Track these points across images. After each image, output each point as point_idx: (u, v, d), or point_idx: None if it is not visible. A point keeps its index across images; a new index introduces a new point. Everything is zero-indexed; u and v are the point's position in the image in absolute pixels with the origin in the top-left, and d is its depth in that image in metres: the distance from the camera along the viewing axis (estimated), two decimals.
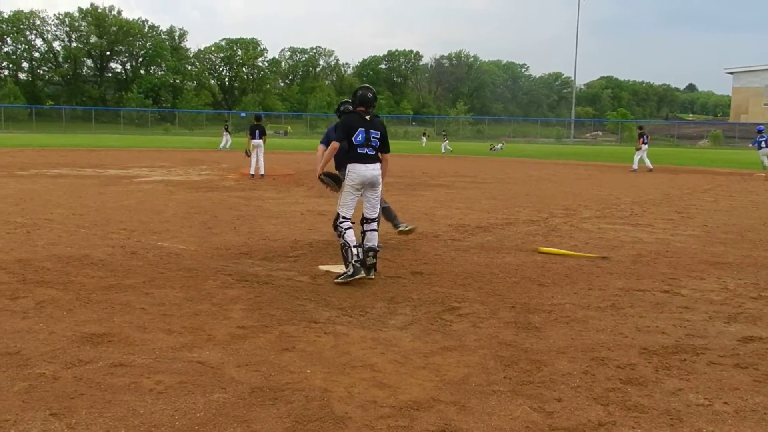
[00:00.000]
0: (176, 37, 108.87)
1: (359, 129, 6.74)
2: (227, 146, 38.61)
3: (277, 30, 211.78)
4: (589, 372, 4.23)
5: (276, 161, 24.88)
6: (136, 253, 7.73)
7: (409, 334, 4.96)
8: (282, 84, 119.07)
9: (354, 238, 6.64)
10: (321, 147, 8.61)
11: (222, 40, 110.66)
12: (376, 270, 6.77)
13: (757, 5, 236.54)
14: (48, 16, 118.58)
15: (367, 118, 6.84)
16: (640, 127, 29.66)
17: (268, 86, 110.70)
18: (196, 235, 9.17)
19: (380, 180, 6.88)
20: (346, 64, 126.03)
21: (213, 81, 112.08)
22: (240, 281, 6.47)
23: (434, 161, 32.91)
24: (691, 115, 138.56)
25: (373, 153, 6.81)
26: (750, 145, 25.96)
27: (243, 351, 4.49)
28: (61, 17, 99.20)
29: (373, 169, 6.75)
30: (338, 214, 6.75)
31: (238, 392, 3.78)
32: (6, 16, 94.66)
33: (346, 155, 6.78)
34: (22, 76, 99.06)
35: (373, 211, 6.89)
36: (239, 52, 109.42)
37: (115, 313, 5.30)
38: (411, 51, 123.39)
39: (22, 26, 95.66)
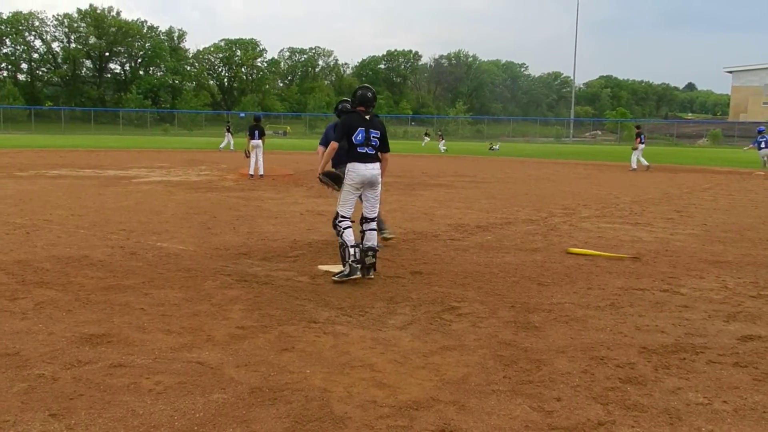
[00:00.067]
0: (175, 38, 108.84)
1: (359, 128, 6.75)
2: (231, 146, 38.64)
3: (277, 30, 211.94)
4: (588, 371, 4.23)
5: (275, 161, 24.89)
6: (136, 254, 7.73)
7: (409, 333, 4.96)
8: (281, 84, 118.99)
9: (352, 237, 6.65)
10: (320, 148, 8.62)
11: (221, 40, 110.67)
12: (375, 270, 6.77)
13: (756, 4, 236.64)
14: (47, 17, 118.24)
15: (367, 117, 6.85)
16: (638, 127, 29.68)
17: (267, 86, 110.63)
18: (195, 235, 9.16)
19: (380, 180, 6.88)
20: (345, 64, 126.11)
21: (212, 81, 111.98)
22: (239, 281, 6.47)
23: (433, 161, 32.91)
24: (690, 114, 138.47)
25: (373, 152, 6.82)
26: (751, 145, 26.05)
27: (242, 351, 4.49)
28: (60, 18, 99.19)
29: (372, 169, 6.76)
30: (338, 213, 6.78)
31: (237, 392, 3.78)
32: (5, 18, 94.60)
33: (346, 154, 6.79)
34: (21, 77, 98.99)
35: (373, 211, 6.89)
36: (238, 53, 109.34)
37: (114, 313, 5.30)
38: (410, 51, 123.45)
39: (21, 27, 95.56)
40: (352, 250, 6.53)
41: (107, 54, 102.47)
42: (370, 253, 6.66)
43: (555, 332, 5.05)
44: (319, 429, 3.36)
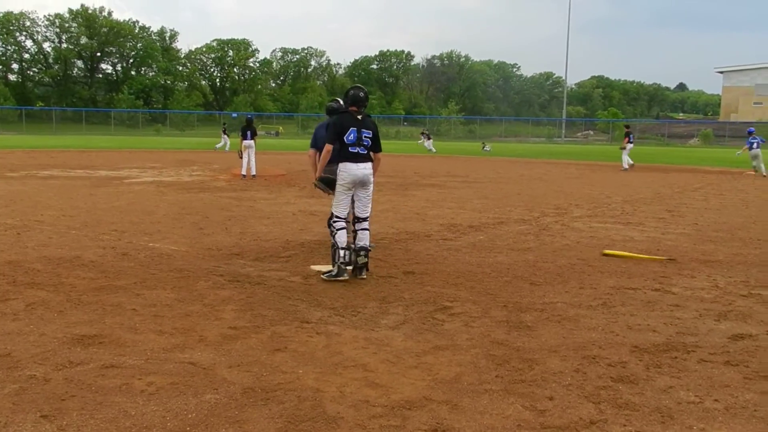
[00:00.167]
0: (167, 38, 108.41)
1: (351, 128, 6.76)
2: (226, 147, 38.64)
3: (269, 31, 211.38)
4: (580, 370, 4.25)
5: (267, 162, 24.85)
6: (127, 255, 7.71)
7: (401, 333, 4.97)
8: (273, 84, 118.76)
9: (344, 239, 6.68)
10: (311, 151, 8.62)
11: (213, 40, 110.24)
12: (368, 269, 6.78)
13: (748, 5, 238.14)
14: (38, 17, 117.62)
15: (359, 117, 6.86)
16: (627, 126, 29.79)
17: (259, 87, 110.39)
18: (187, 235, 9.14)
19: (372, 179, 6.90)
20: (338, 64, 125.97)
21: (204, 82, 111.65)
22: (232, 282, 6.46)
23: (426, 161, 32.92)
24: (681, 114, 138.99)
25: (365, 152, 6.83)
26: (745, 146, 26.25)
27: (235, 351, 4.48)
28: (51, 18, 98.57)
29: (364, 168, 6.78)
30: (332, 213, 6.81)
31: (230, 393, 3.78)
32: None
33: (338, 154, 6.81)
34: (12, 77, 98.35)
35: (365, 211, 6.90)
36: (230, 53, 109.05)
37: (106, 314, 5.28)
38: (402, 51, 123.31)
39: (11, 27, 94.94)
40: (342, 252, 6.59)
41: (99, 54, 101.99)
42: (362, 252, 6.68)
43: (547, 332, 5.07)
44: (311, 429, 3.36)
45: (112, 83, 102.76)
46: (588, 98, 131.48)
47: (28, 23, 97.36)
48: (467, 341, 4.80)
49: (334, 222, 6.79)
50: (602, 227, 10.71)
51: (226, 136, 40.17)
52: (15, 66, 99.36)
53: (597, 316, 5.52)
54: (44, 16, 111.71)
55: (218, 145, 39.52)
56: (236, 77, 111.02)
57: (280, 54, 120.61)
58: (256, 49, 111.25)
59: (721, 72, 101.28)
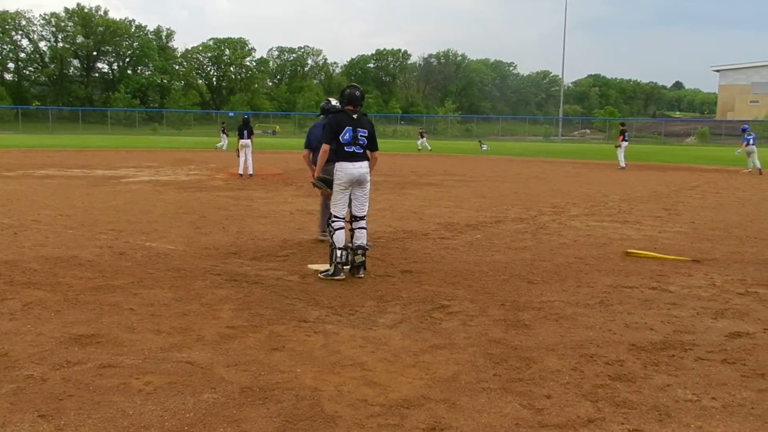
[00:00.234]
0: (163, 37, 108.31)
1: (346, 128, 6.76)
2: (224, 147, 38.63)
3: (266, 30, 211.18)
4: (578, 369, 4.25)
5: (264, 161, 24.84)
6: (125, 254, 7.70)
7: (399, 332, 4.97)
8: (270, 83, 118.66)
9: (342, 239, 6.69)
10: (305, 151, 8.66)
11: (209, 39, 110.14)
12: (365, 268, 6.78)
13: (744, 3, 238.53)
14: (34, 16, 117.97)
15: (355, 116, 6.86)
16: (622, 124, 29.83)
17: (256, 86, 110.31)
18: (184, 235, 9.13)
19: (368, 178, 6.90)
20: (335, 63, 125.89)
21: (201, 81, 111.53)
22: (229, 281, 6.45)
23: (423, 160, 32.92)
24: (678, 113, 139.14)
25: (361, 151, 6.83)
26: (743, 143, 26.37)
27: (232, 351, 4.48)
28: (47, 17, 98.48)
29: (360, 167, 6.78)
30: (331, 213, 6.81)
31: (227, 392, 3.78)
32: None
33: (335, 154, 6.81)
34: (7, 76, 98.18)
35: (362, 209, 6.91)
36: (227, 52, 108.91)
37: (103, 314, 5.28)
38: (399, 50, 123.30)
39: (7, 27, 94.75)
40: (339, 252, 6.61)
41: (95, 53, 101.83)
42: (359, 251, 6.69)
43: (545, 330, 5.07)
44: (309, 428, 3.36)
45: (108, 82, 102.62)
46: (585, 97, 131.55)
47: (23, 22, 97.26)
48: (465, 340, 4.81)
49: (333, 222, 6.79)
50: (599, 226, 10.73)
51: (225, 135, 40.15)
52: (11, 65, 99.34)
53: (594, 315, 5.53)
54: (40, 15, 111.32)
55: (218, 144, 39.53)
56: (233, 76, 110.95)
57: (276, 53, 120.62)
58: (253, 48, 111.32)
59: (718, 70, 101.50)
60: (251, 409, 3.57)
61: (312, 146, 8.60)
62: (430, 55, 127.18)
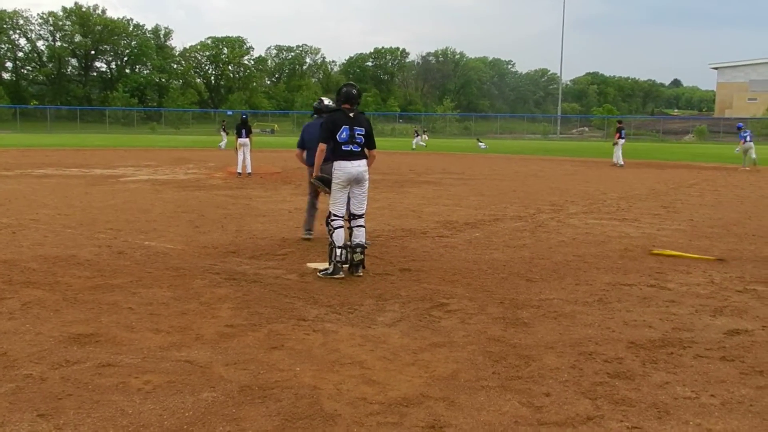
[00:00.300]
0: (161, 36, 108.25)
1: (343, 126, 6.76)
2: (222, 146, 38.57)
3: (264, 29, 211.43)
4: (577, 366, 4.25)
5: (263, 159, 24.83)
6: (123, 253, 7.69)
7: (398, 330, 4.97)
8: (268, 82, 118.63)
9: (341, 238, 6.68)
10: (297, 151, 8.69)
11: (208, 38, 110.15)
12: (364, 267, 6.78)
13: (742, 1, 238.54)
14: (31, 15, 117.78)
15: (351, 115, 6.85)
16: (619, 122, 29.86)
17: (254, 84, 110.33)
18: (183, 234, 9.13)
19: (367, 176, 6.90)
20: (333, 61, 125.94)
21: (199, 80, 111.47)
22: (228, 280, 6.45)
23: (421, 158, 32.92)
24: (676, 111, 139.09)
25: (358, 150, 6.83)
26: (741, 141, 26.45)
27: (231, 350, 4.48)
28: (44, 16, 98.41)
29: (358, 166, 6.78)
30: (330, 211, 6.82)
31: (227, 391, 3.78)
32: None
33: (332, 153, 6.81)
34: (5, 75, 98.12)
35: (360, 207, 6.91)
36: (225, 51, 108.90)
37: (102, 313, 5.28)
38: (397, 48, 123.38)
39: (5, 26, 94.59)
40: (338, 251, 6.61)
41: (93, 52, 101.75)
42: (358, 249, 6.69)
43: (543, 328, 5.08)
44: (309, 426, 3.36)
45: (106, 81, 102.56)
46: (583, 95, 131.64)
47: (21, 21, 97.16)
48: (464, 338, 4.81)
49: (332, 220, 6.79)
50: (598, 223, 10.73)
51: (225, 133, 40.08)
52: (9, 64, 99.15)
53: (593, 313, 5.53)
54: (38, 14, 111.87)
55: (221, 143, 39.44)
56: (231, 75, 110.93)
57: (275, 51, 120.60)
58: (251, 47, 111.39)
59: (716, 68, 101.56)
60: (250, 407, 3.57)
61: (306, 146, 8.61)
62: (429, 54, 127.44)
